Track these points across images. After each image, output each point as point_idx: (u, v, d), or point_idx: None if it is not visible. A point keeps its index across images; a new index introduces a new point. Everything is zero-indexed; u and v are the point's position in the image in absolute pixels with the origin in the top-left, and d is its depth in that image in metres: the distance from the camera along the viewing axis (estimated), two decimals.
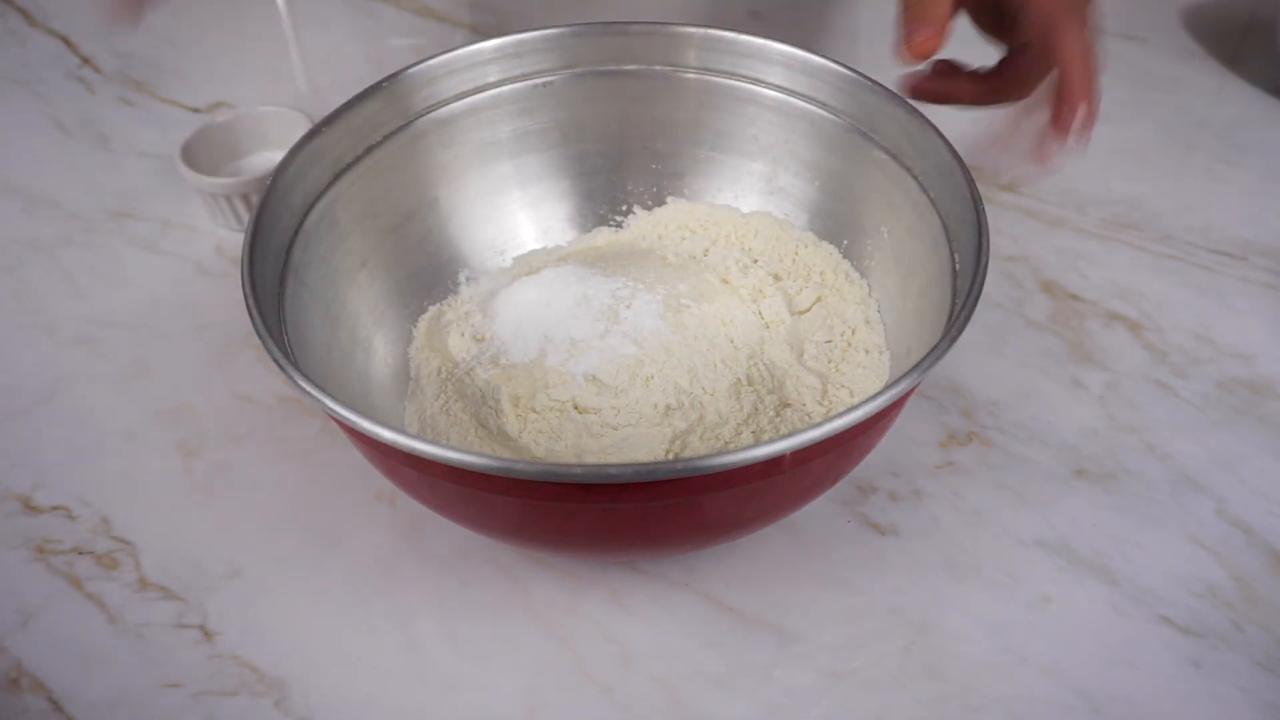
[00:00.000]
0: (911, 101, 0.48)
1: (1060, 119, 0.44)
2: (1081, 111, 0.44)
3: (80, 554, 0.48)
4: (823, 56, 0.51)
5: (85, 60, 0.76)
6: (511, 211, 0.56)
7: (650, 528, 0.40)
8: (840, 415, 0.36)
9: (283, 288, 0.45)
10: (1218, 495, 0.50)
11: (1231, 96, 0.72)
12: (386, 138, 0.52)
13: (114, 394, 0.55)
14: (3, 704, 0.44)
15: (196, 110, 0.73)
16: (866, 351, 0.50)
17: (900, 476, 0.51)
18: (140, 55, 0.77)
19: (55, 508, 0.50)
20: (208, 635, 0.46)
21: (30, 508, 0.50)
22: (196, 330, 0.58)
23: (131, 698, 0.44)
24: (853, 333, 0.51)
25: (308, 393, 0.38)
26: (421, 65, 0.51)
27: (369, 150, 0.51)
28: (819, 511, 0.49)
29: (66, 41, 0.78)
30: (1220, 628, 0.45)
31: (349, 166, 0.50)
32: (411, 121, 0.52)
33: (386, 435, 0.36)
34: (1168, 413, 0.53)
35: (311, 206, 0.48)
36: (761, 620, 0.46)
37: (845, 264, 0.53)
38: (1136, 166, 0.67)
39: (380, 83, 0.50)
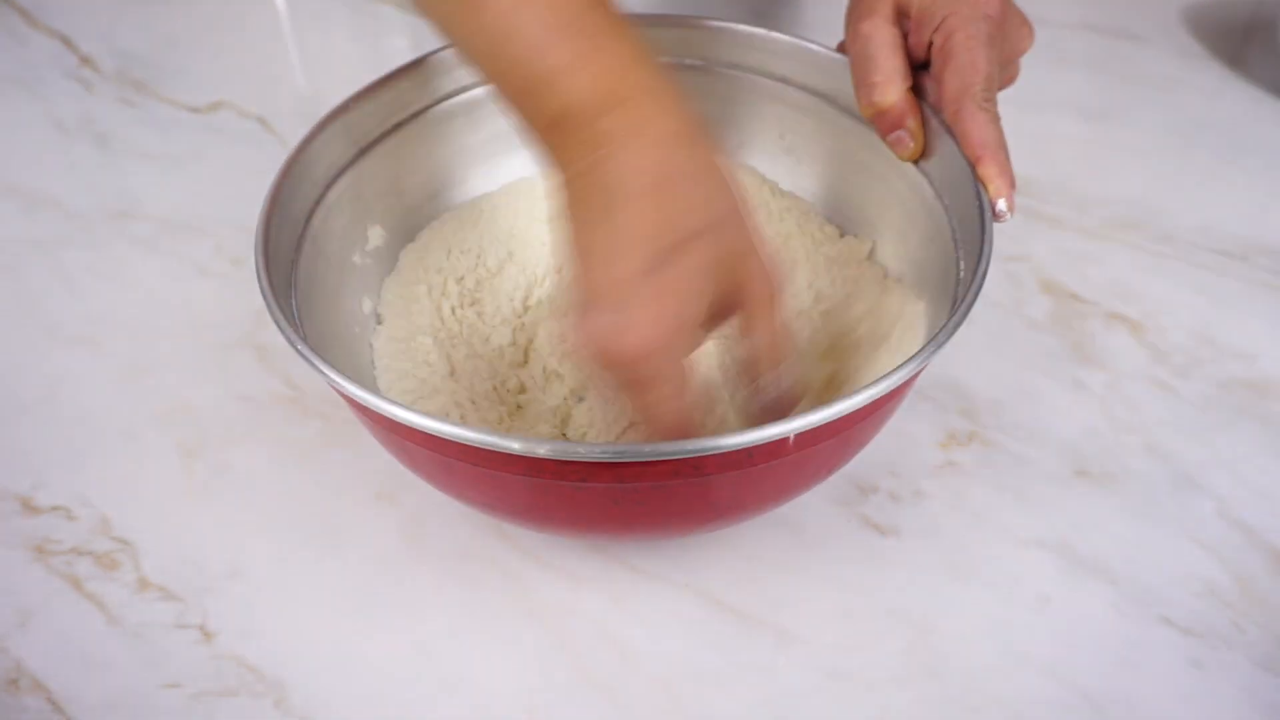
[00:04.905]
0: (926, 107, 0.48)
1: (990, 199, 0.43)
2: (1003, 202, 0.43)
3: (80, 554, 0.48)
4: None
5: (85, 60, 0.76)
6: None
7: (623, 510, 0.40)
8: (821, 409, 0.36)
9: (297, 255, 0.45)
10: (1218, 495, 0.50)
11: (1232, 96, 0.72)
12: (414, 116, 0.52)
13: (114, 394, 0.55)
14: (3, 704, 0.44)
15: (196, 110, 0.73)
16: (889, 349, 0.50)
17: (900, 476, 0.51)
18: (140, 55, 0.76)
19: (55, 508, 0.50)
20: (207, 635, 0.46)
21: (30, 508, 0.50)
22: (196, 330, 0.58)
23: (131, 698, 0.44)
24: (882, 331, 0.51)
25: (289, 338, 0.38)
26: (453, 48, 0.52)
27: (396, 128, 0.51)
28: (819, 511, 0.49)
29: (66, 41, 0.78)
30: (1220, 628, 0.45)
31: (375, 142, 0.50)
32: (439, 102, 0.52)
33: (369, 399, 0.37)
34: (1168, 413, 0.53)
35: (335, 179, 0.49)
36: (761, 620, 0.46)
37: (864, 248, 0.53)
38: (1136, 166, 0.67)
39: (411, 62, 0.51)
